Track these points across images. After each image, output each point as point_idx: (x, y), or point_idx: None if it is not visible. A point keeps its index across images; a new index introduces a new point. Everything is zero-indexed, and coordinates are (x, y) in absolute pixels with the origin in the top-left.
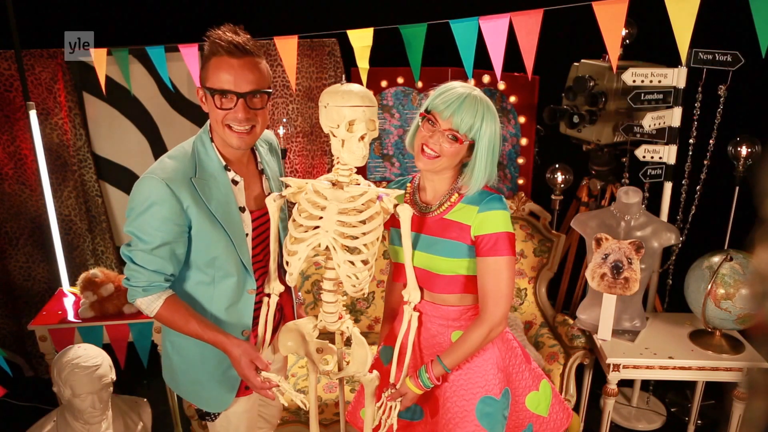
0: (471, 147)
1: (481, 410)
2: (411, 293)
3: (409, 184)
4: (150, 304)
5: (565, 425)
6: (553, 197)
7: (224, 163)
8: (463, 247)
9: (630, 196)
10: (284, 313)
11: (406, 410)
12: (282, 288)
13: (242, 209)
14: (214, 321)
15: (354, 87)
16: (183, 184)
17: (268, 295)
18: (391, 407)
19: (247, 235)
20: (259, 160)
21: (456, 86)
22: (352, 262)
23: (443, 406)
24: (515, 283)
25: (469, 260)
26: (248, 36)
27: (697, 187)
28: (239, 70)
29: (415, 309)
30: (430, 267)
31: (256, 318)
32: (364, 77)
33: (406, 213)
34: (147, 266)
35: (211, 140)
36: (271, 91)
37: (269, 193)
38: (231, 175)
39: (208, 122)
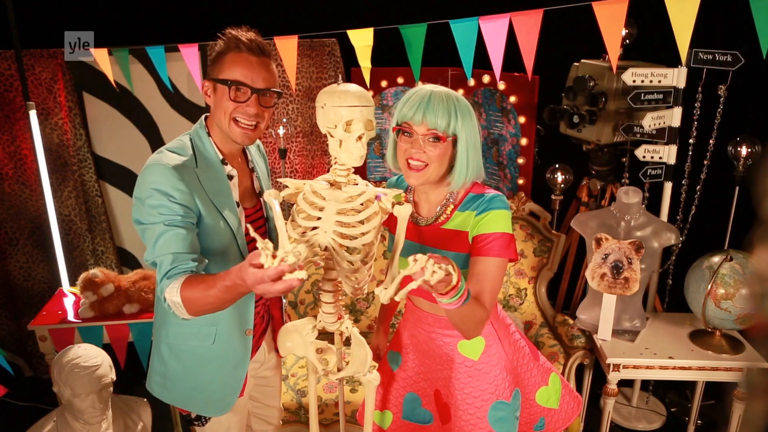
0: (455, 144)
1: (494, 416)
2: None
3: (404, 195)
4: (172, 291)
5: (576, 413)
6: (553, 197)
7: (221, 157)
8: (463, 257)
9: (630, 196)
10: (273, 315)
11: (416, 414)
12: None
13: (237, 204)
14: (216, 320)
15: (351, 87)
16: (188, 173)
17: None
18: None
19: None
20: (249, 158)
21: (418, 89)
22: (351, 262)
23: (455, 414)
24: (515, 283)
25: (467, 270)
26: (263, 40)
27: (697, 187)
28: (257, 67)
29: (418, 322)
30: None
31: (256, 318)
32: (367, 76)
33: (404, 211)
34: (172, 249)
35: (208, 135)
36: (281, 91)
37: (260, 191)
38: (227, 169)
39: (202, 118)
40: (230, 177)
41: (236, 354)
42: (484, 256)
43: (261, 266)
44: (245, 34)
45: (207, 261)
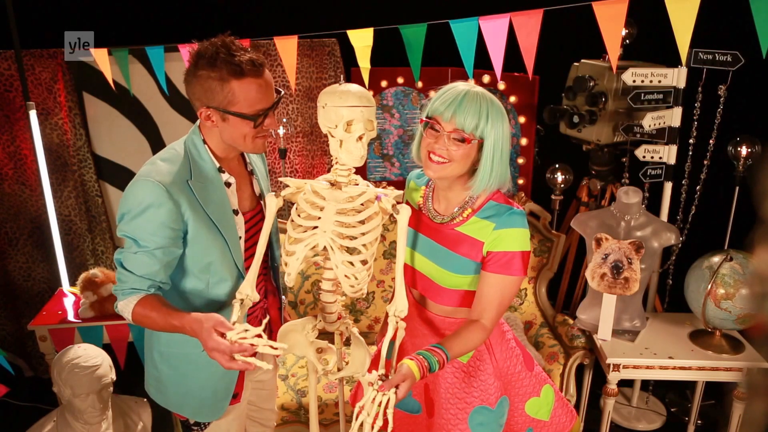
0: (482, 147)
1: (475, 420)
2: (398, 304)
3: (425, 187)
4: (126, 306)
5: (568, 427)
6: (553, 197)
7: (218, 165)
8: (471, 264)
9: (630, 196)
10: (270, 315)
11: (405, 403)
12: (257, 297)
13: (235, 212)
14: None
15: (352, 87)
16: (180, 187)
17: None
18: (384, 400)
19: (240, 238)
20: (248, 161)
21: (455, 85)
22: (350, 263)
23: (437, 412)
24: None
25: (474, 276)
26: (247, 46)
27: (697, 187)
28: (266, 86)
29: (413, 315)
30: (436, 278)
31: (254, 322)
32: (365, 77)
33: (404, 214)
34: (135, 271)
35: (204, 141)
36: (281, 90)
37: (260, 194)
38: (225, 177)
39: (197, 123)
40: (228, 184)
41: None
42: (497, 273)
43: (224, 335)
44: (242, 56)
45: (168, 286)
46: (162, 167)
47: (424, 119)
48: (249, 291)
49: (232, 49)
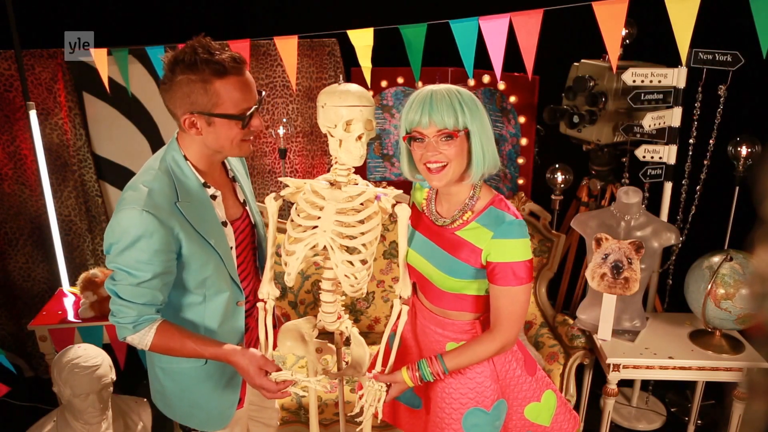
0: (469, 137)
1: (469, 421)
2: (402, 289)
3: (428, 190)
4: (142, 338)
5: None
6: (553, 197)
7: (202, 181)
8: (469, 269)
9: (630, 196)
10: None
11: (407, 397)
12: (278, 293)
13: (224, 224)
14: None
15: (351, 87)
16: (169, 211)
17: (263, 301)
18: (374, 397)
19: (231, 248)
20: (229, 168)
21: (417, 92)
22: (350, 262)
23: (433, 410)
24: None
25: (478, 282)
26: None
27: (697, 187)
28: (249, 85)
29: (416, 311)
30: (438, 283)
31: (246, 328)
32: (367, 76)
33: (403, 213)
34: (136, 300)
35: (185, 158)
36: (263, 91)
37: (243, 200)
38: (210, 191)
39: (174, 139)
40: (214, 197)
41: (229, 369)
42: (501, 285)
43: (267, 372)
44: (221, 55)
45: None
46: (147, 192)
47: (406, 136)
48: (269, 288)
49: (211, 49)
